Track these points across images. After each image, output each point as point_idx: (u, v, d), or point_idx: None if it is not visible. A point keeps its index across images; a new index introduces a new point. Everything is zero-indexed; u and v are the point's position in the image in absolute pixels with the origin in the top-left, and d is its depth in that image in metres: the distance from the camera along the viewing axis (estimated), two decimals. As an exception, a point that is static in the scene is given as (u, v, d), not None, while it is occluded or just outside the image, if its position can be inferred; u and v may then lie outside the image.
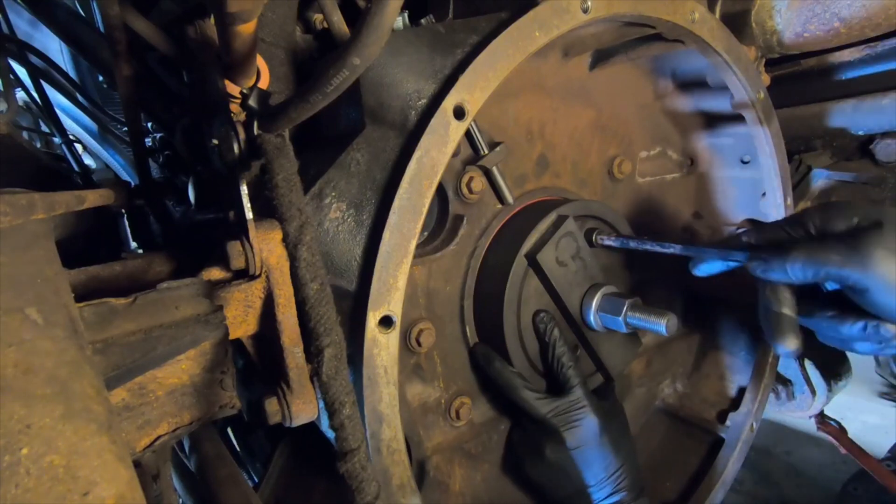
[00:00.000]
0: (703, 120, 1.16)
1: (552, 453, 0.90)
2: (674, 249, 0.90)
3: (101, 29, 0.93)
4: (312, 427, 0.71)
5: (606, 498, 0.91)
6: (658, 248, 0.91)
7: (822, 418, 1.42)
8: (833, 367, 1.34)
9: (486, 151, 0.85)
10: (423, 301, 0.86)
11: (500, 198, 0.91)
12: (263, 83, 0.61)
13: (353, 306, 0.65)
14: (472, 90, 0.67)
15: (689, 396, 1.27)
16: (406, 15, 0.79)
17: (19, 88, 1.41)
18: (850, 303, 0.75)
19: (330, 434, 0.56)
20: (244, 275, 0.59)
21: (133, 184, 1.05)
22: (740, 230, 0.86)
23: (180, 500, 0.85)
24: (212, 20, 0.72)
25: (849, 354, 1.40)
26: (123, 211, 1.09)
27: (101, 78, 1.68)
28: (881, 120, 1.23)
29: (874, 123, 1.25)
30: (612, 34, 0.91)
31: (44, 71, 1.34)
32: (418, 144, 0.64)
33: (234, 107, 0.59)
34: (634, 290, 1.11)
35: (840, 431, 1.44)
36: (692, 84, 1.10)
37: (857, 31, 1.05)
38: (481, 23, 0.73)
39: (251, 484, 0.84)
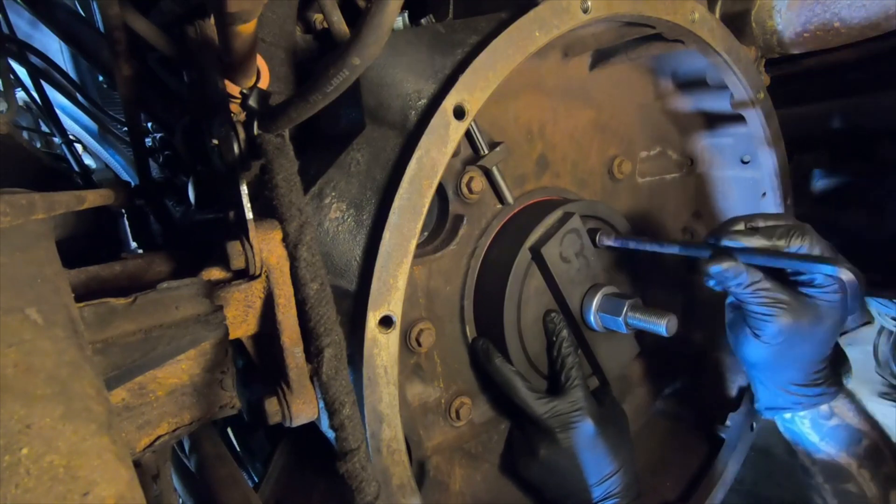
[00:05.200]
0: (703, 120, 1.16)
1: (546, 454, 0.90)
2: (674, 250, 0.90)
3: (101, 29, 0.93)
4: (312, 427, 0.71)
5: (598, 502, 0.91)
6: (659, 249, 0.91)
7: (822, 418, 1.41)
8: (833, 367, 1.34)
9: (486, 151, 0.85)
10: (423, 301, 0.86)
11: (500, 198, 0.91)
12: (263, 83, 0.61)
13: (353, 306, 0.65)
14: (472, 90, 0.67)
15: (689, 396, 1.26)
16: (406, 15, 0.79)
17: (19, 88, 1.41)
18: None
19: (330, 434, 0.56)
20: (244, 275, 0.59)
21: (133, 184, 1.05)
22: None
23: (180, 500, 0.85)
24: (212, 20, 0.72)
25: (849, 354, 1.40)
26: (123, 211, 1.08)
27: (101, 78, 1.68)
28: (881, 120, 1.23)
29: (874, 123, 1.25)
30: (612, 34, 0.91)
31: (44, 71, 1.34)
32: (418, 144, 0.64)
33: (234, 107, 0.59)
34: (635, 291, 1.12)
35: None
36: (692, 84, 1.10)
37: (857, 31, 1.05)
38: (481, 23, 0.73)
39: (251, 484, 0.84)
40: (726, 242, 0.84)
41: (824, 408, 0.93)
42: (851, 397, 0.95)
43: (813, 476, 0.99)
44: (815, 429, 0.95)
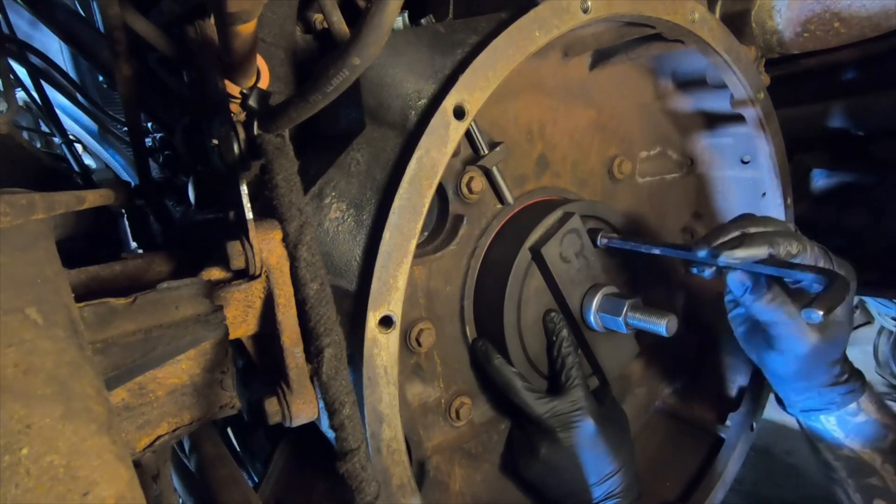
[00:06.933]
0: (703, 120, 1.16)
1: (547, 453, 0.90)
2: (676, 253, 0.90)
3: (101, 29, 0.93)
4: (312, 427, 0.71)
5: (598, 502, 0.91)
6: (659, 252, 0.91)
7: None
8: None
9: (486, 151, 0.85)
10: (423, 301, 0.86)
11: (500, 198, 0.91)
12: (263, 83, 0.61)
13: (353, 306, 0.65)
14: (472, 90, 0.67)
15: (689, 396, 1.26)
16: (406, 15, 0.79)
17: (19, 88, 1.41)
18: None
19: (330, 434, 0.56)
20: (244, 275, 0.59)
21: (133, 184, 1.05)
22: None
23: (180, 500, 0.85)
24: (212, 20, 0.72)
25: (849, 354, 1.40)
26: (123, 211, 1.08)
27: (101, 78, 1.68)
28: (881, 120, 1.23)
29: (874, 123, 1.25)
30: (612, 34, 0.91)
31: (44, 71, 1.34)
32: (418, 144, 0.64)
33: (234, 107, 0.59)
34: (635, 291, 1.11)
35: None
36: (692, 84, 1.10)
37: (857, 31, 1.05)
38: (481, 23, 0.73)
39: (251, 484, 0.84)
40: (723, 258, 0.82)
41: (852, 405, 0.94)
42: (873, 391, 0.96)
43: (836, 471, 0.99)
44: (840, 425, 0.96)
